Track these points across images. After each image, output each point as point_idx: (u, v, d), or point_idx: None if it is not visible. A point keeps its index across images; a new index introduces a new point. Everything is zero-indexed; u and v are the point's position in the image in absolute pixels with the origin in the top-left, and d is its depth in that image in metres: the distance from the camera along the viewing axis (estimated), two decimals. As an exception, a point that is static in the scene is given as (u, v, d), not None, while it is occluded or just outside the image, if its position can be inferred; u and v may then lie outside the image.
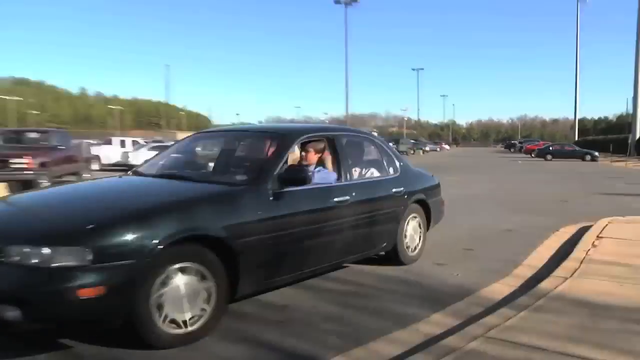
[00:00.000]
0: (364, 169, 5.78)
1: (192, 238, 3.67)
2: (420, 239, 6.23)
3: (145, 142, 32.34)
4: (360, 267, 5.76)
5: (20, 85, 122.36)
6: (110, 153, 27.63)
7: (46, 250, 3.16)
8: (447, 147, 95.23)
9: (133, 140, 31.29)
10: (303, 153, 5.36)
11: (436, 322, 4.15)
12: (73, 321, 3.30)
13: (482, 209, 11.15)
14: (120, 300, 3.29)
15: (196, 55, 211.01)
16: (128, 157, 25.79)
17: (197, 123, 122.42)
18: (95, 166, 23.76)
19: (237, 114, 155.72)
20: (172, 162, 5.63)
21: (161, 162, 5.61)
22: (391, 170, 6.05)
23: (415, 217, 6.13)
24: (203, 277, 3.69)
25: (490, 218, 9.78)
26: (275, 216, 4.26)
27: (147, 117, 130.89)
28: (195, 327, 3.66)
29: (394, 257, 5.88)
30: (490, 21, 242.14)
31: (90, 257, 3.18)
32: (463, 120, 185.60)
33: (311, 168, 5.15)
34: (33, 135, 16.61)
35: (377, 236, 5.53)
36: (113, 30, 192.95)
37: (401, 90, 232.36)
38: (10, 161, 12.58)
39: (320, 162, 5.33)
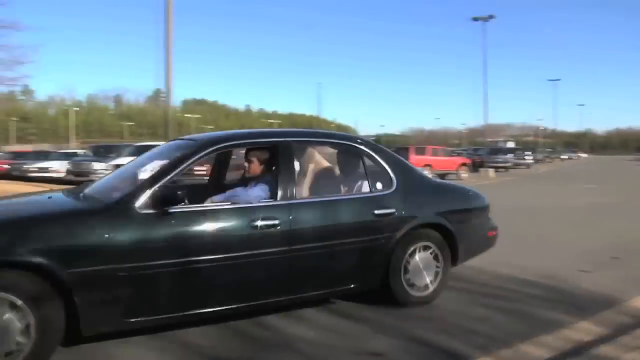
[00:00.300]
0: (326, 184, 4.33)
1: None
2: (436, 276, 4.40)
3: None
4: (499, 271, 5.41)
5: (199, 105, 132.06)
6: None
7: None
8: (584, 155, 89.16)
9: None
10: (246, 164, 4.24)
11: (584, 329, 3.78)
12: None
13: (625, 217, 10.13)
14: None
15: (345, 72, 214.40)
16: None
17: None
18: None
19: (382, 126, 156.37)
20: (110, 178, 4.49)
21: (106, 177, 4.63)
22: (379, 185, 4.30)
23: (427, 247, 4.35)
24: (13, 307, 2.93)
25: (635, 226, 8.82)
26: (137, 242, 3.25)
27: (301, 129, 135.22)
28: None
29: (386, 296, 4.27)
30: (626, 30, 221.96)
31: None
32: (601, 128, 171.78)
33: (252, 182, 4.09)
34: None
35: (339, 272, 4.03)
36: (273, 55, 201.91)
37: (537, 100, 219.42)
38: (195, 168, 13.64)
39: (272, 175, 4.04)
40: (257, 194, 3.88)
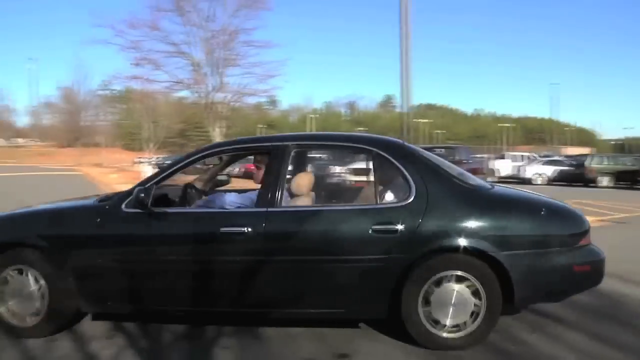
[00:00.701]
0: (327, 194, 4.06)
1: (18, 244, 3.85)
2: (475, 316, 3.53)
3: (538, 156, 31.50)
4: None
5: (429, 109, 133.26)
6: (504, 166, 27.61)
7: None
8: None
9: (524, 155, 30.66)
10: (255, 170, 4.19)
11: None
12: None
13: None
14: None
15: (585, 71, 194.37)
16: (524, 170, 25.42)
17: (581, 138, 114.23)
18: (489, 179, 23.98)
19: (631, 128, 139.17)
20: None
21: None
22: (389, 196, 3.75)
23: (462, 278, 3.52)
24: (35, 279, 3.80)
25: None
26: (118, 237, 3.76)
27: (533, 133, 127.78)
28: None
29: (403, 329, 3.60)
30: None
31: None
32: None
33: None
34: (442, 151, 17.74)
35: (318, 292, 3.64)
36: (505, 56, 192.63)
37: None
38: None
39: None
40: (231, 199, 3.90)
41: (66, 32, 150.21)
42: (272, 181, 3.70)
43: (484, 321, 3.51)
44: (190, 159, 4.00)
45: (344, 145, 4.27)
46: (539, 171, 25.91)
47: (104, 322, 4.14)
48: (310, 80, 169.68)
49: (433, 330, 3.52)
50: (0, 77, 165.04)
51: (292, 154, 3.83)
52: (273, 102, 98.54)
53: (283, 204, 3.71)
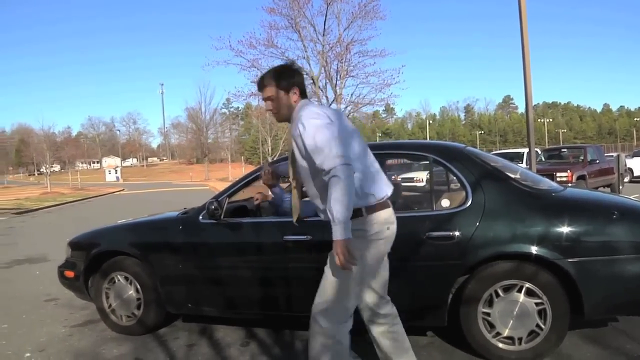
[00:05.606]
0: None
1: (119, 253, 4.30)
2: (540, 329, 3.26)
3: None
4: None
5: (550, 108, 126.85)
6: (638, 165, 25.33)
7: None
8: None
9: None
10: None
11: None
12: None
13: None
14: None
15: None
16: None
17: None
18: (626, 179, 22.13)
19: None
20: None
21: None
22: (445, 202, 3.67)
23: (520, 288, 3.27)
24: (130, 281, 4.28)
25: None
26: (197, 245, 4.01)
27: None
28: None
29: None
30: None
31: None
32: None
33: None
34: (565, 151, 16.76)
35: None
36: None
37: None
38: (557, 175, 12.95)
39: None
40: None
41: (192, 55, 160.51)
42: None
43: (544, 336, 3.27)
44: (258, 173, 4.09)
45: (400, 153, 4.35)
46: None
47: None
48: (426, 85, 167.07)
49: (494, 342, 3.34)
50: (136, 102, 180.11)
51: None
52: (389, 109, 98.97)
53: None
